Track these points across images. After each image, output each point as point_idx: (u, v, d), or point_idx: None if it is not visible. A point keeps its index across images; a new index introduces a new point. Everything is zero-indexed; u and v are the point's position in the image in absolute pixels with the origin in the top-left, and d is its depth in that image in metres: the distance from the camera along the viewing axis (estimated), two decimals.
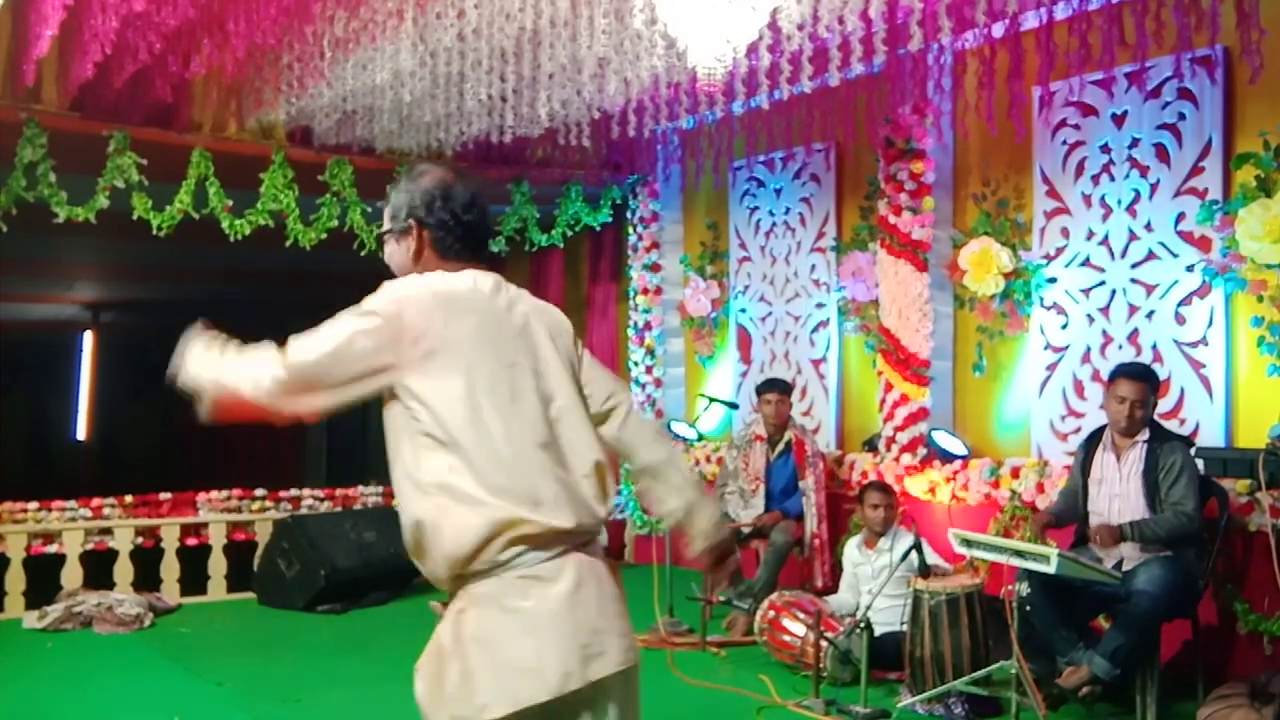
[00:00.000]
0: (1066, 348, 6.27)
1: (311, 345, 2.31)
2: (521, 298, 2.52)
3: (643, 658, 2.44)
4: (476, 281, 2.43)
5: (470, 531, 2.23)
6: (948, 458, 6.60)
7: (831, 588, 6.29)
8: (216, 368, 2.36)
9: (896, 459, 6.82)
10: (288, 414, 2.34)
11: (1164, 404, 5.67)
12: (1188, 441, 5.05)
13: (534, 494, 2.25)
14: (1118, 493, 4.94)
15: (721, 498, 7.05)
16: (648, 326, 9.04)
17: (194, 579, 7.57)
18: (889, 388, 6.90)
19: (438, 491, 2.27)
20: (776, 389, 6.87)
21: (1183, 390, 5.68)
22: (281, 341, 2.39)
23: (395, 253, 2.53)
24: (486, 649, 2.22)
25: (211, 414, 2.37)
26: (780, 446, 6.86)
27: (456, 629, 2.27)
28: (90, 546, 7.30)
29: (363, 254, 7.88)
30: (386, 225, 2.54)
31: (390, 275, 2.50)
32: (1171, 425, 5.32)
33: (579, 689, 2.23)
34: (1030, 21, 5.50)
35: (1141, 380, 4.94)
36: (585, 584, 2.29)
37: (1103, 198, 6.08)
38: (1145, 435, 4.94)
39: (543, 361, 2.42)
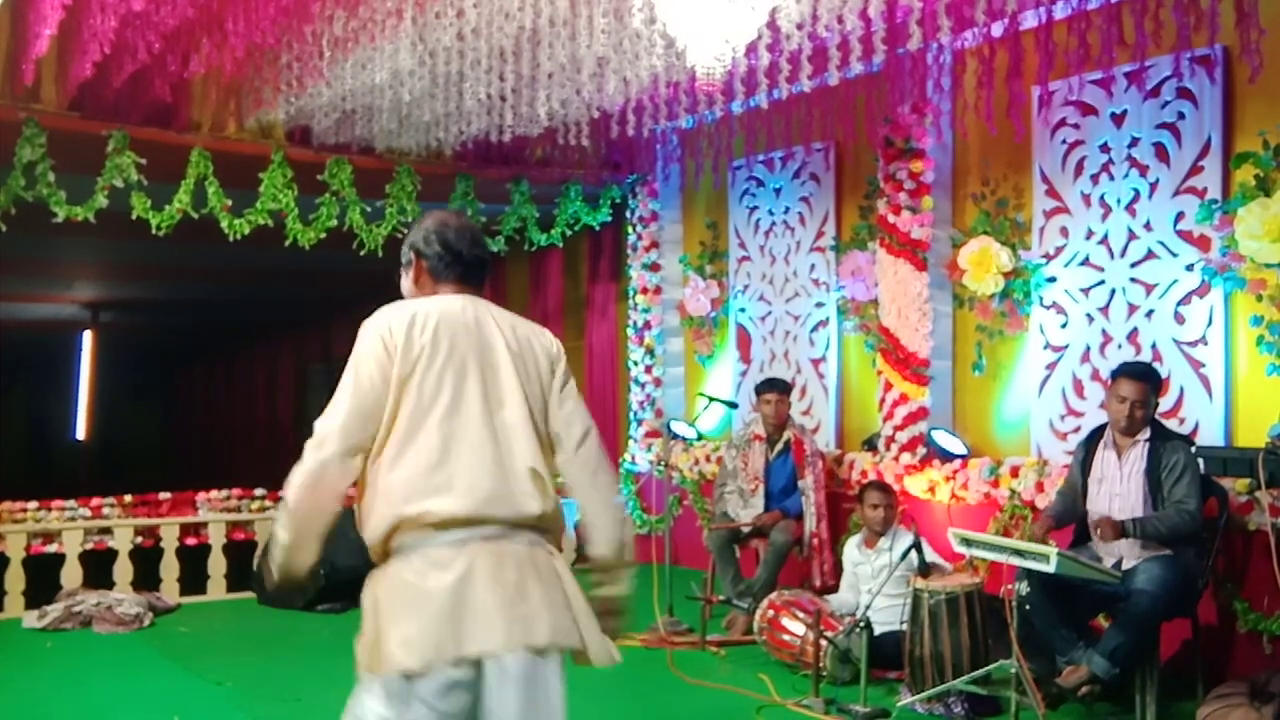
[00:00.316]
0: (1066, 347, 6.27)
1: (332, 414, 2.64)
2: (492, 317, 2.83)
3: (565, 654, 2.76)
4: (446, 301, 2.78)
5: (382, 524, 2.60)
6: (947, 457, 6.61)
7: (832, 587, 6.29)
8: (284, 504, 2.70)
9: (896, 458, 6.82)
10: (355, 467, 2.68)
11: (1163, 403, 5.67)
12: (1189, 441, 5.06)
13: (451, 489, 2.56)
14: (1118, 491, 4.94)
15: (721, 497, 7.05)
16: (647, 326, 9.04)
17: (193, 578, 7.57)
18: (888, 387, 6.90)
19: (369, 487, 2.66)
20: (776, 389, 6.87)
21: (1182, 389, 5.68)
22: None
23: (405, 282, 2.93)
24: (382, 617, 2.56)
25: (297, 544, 2.73)
26: (779, 446, 6.86)
27: (371, 598, 2.64)
28: (90, 546, 7.30)
29: (362, 254, 7.88)
30: (403, 263, 2.95)
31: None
32: (1171, 424, 5.31)
33: (466, 664, 2.51)
34: (1029, 21, 5.49)
35: (1143, 380, 4.94)
36: (479, 572, 2.54)
37: (1102, 197, 6.08)
38: (1147, 434, 4.94)
39: (496, 373, 2.74)
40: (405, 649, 2.50)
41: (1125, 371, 5.01)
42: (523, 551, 2.65)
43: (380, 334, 2.66)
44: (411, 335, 2.66)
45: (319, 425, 2.65)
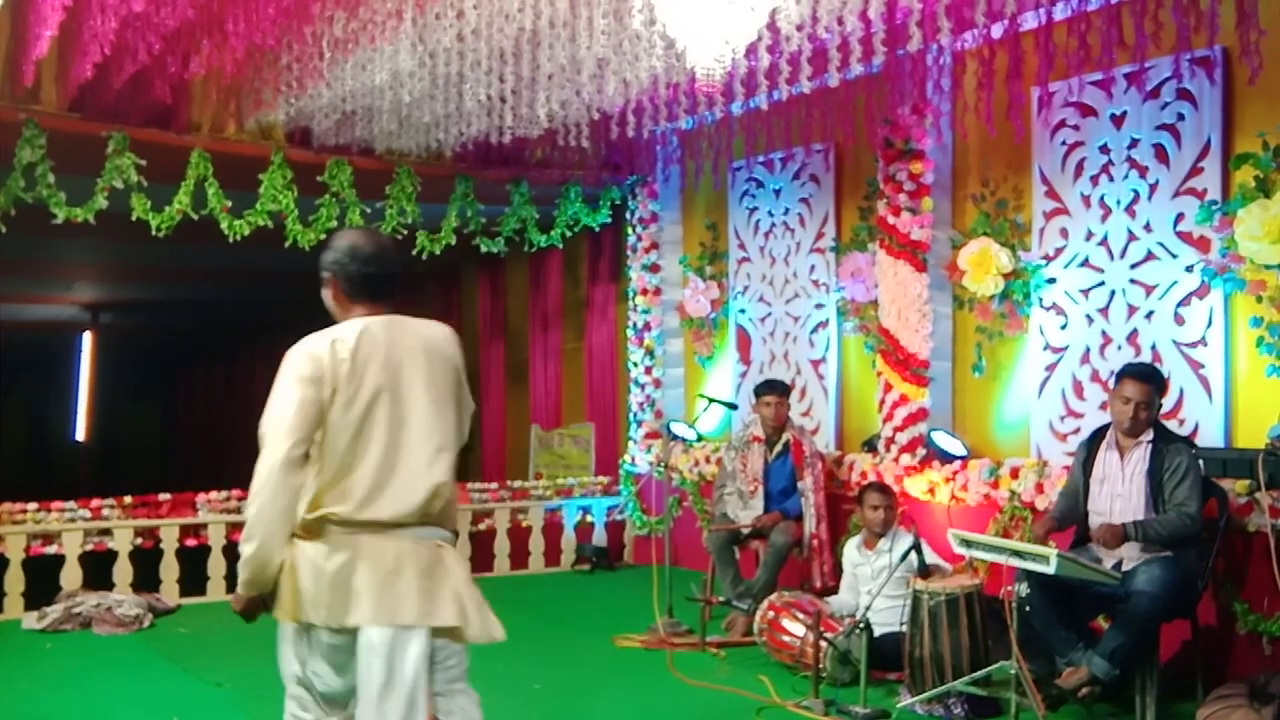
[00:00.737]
0: (1066, 348, 6.27)
1: (277, 418, 3.10)
2: (408, 333, 3.28)
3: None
4: (366, 326, 3.20)
5: (303, 513, 3.16)
6: (947, 458, 6.60)
7: (831, 588, 6.29)
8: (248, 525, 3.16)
9: (896, 459, 6.82)
10: (299, 469, 3.12)
11: (1164, 404, 5.67)
12: (1191, 443, 5.06)
13: (353, 494, 3.12)
14: (1120, 492, 4.94)
15: (720, 499, 7.05)
16: (647, 327, 9.04)
17: (193, 580, 7.57)
18: (888, 388, 6.90)
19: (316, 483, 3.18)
20: (775, 391, 6.86)
21: (1182, 390, 5.68)
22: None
23: (326, 297, 3.34)
24: (292, 578, 3.16)
25: (261, 557, 3.15)
26: (778, 448, 6.86)
27: (290, 566, 3.17)
28: (89, 547, 7.30)
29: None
30: (323, 276, 3.35)
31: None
32: (1171, 425, 5.31)
33: (338, 632, 3.15)
34: (1029, 22, 5.49)
35: (1147, 382, 4.94)
36: (361, 560, 3.13)
37: (1102, 198, 6.08)
38: (1150, 436, 4.94)
39: (406, 391, 3.21)
40: (305, 608, 3.16)
41: (1130, 372, 5.01)
42: (406, 545, 3.16)
43: (308, 362, 3.12)
44: (334, 363, 3.12)
45: (268, 444, 3.10)
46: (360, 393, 3.14)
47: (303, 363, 3.12)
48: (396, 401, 3.20)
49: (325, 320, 3.33)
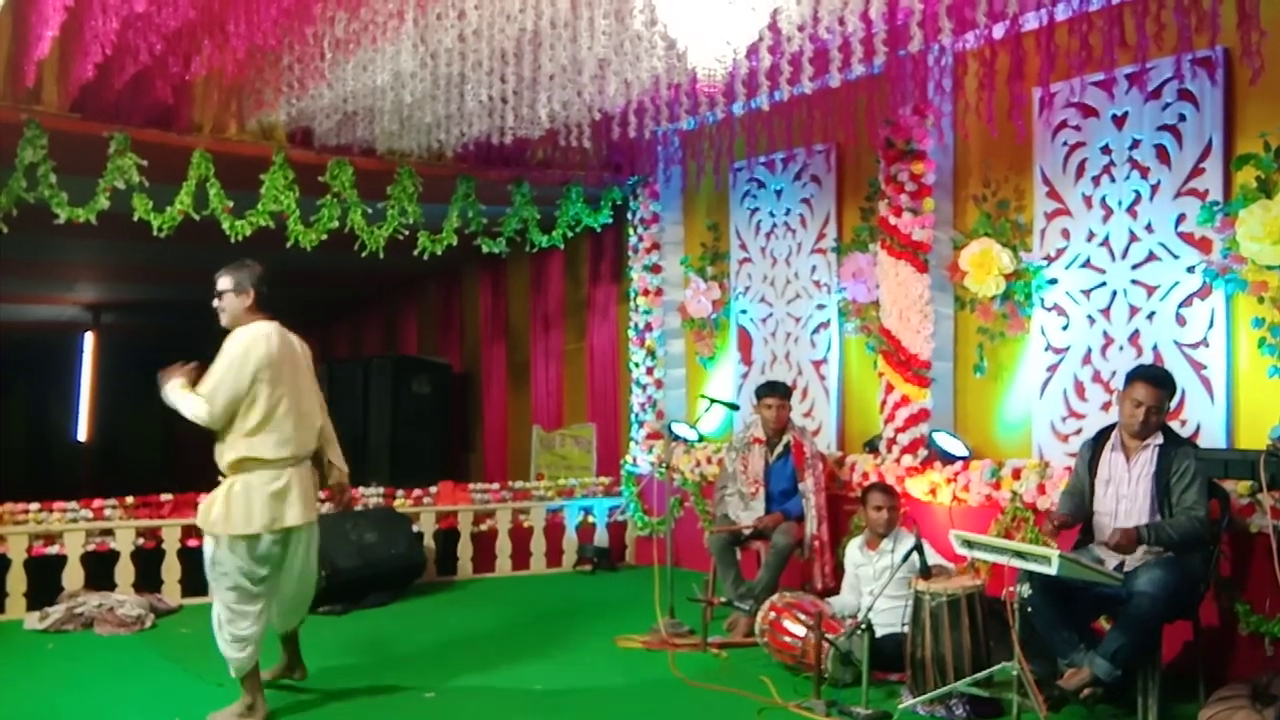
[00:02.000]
0: (1067, 349, 6.27)
1: (217, 387, 4.90)
2: (290, 336, 5.14)
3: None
4: (276, 328, 5.04)
5: (238, 457, 4.92)
6: (948, 459, 6.60)
7: (833, 589, 6.29)
8: (179, 402, 5.02)
9: (897, 460, 6.82)
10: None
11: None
12: (1195, 447, 5.05)
13: (279, 441, 4.94)
14: (1125, 493, 4.94)
15: (721, 500, 7.05)
16: (648, 328, 9.04)
17: (195, 580, 7.50)
18: (890, 389, 6.89)
19: (230, 439, 4.95)
20: (776, 393, 6.85)
21: (1184, 391, 5.67)
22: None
23: (235, 303, 5.09)
24: (237, 501, 4.88)
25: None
26: (779, 449, 6.85)
27: (229, 490, 4.91)
28: (91, 547, 7.29)
29: (363, 255, 7.89)
30: (230, 288, 5.08)
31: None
32: (1173, 426, 5.30)
33: (275, 532, 4.93)
34: (1031, 23, 5.50)
35: (1160, 386, 4.94)
36: (291, 482, 4.97)
37: (1103, 199, 6.08)
38: (1159, 439, 4.93)
39: (299, 374, 5.11)
40: (254, 520, 4.88)
41: (1143, 376, 4.99)
42: (306, 471, 5.10)
43: (258, 347, 4.90)
44: (268, 350, 4.91)
45: (208, 400, 4.89)
46: (281, 374, 4.94)
47: (253, 350, 4.89)
48: (295, 380, 5.04)
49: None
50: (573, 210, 8.75)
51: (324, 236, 7.65)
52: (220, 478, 4.97)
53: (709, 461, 8.18)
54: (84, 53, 5.64)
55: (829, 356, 7.76)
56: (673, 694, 5.42)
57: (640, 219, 9.09)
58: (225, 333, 5.03)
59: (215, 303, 5.10)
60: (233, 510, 4.86)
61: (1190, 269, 5.67)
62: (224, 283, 5.08)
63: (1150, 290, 5.87)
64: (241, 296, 5.05)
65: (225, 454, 4.92)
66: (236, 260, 5.17)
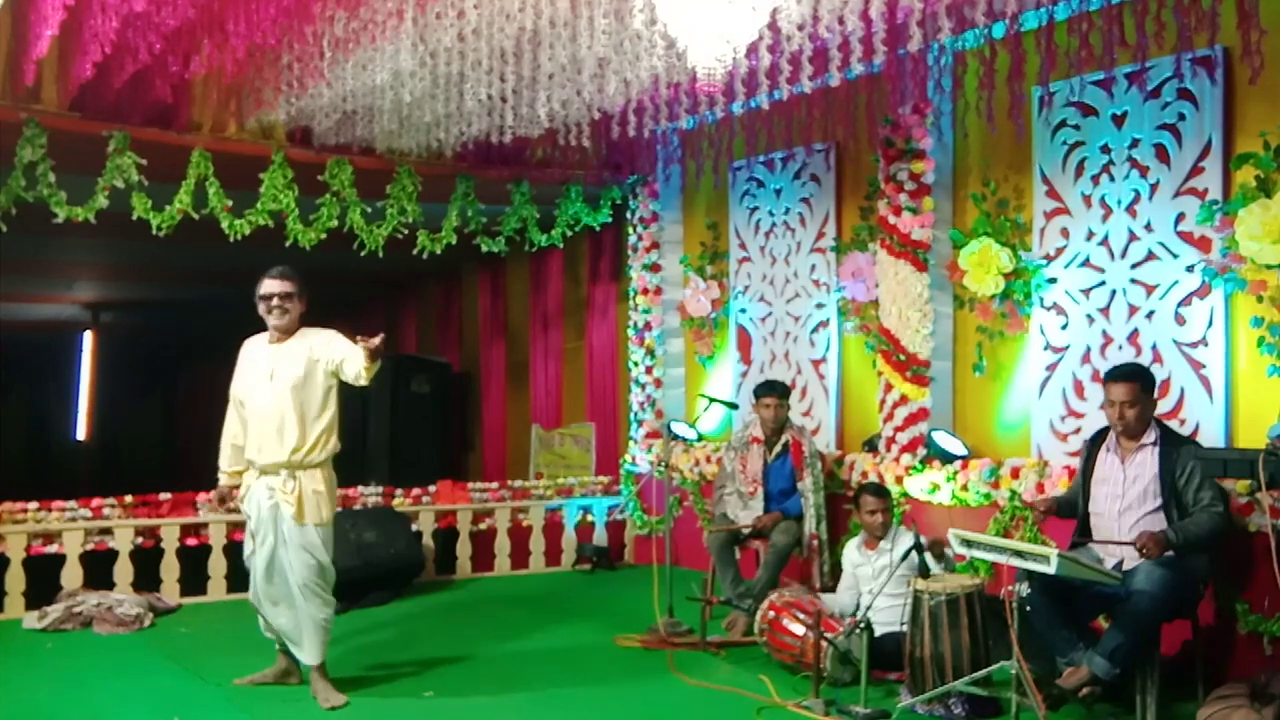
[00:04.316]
0: (1067, 348, 6.27)
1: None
2: None
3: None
4: None
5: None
6: (947, 458, 6.60)
7: (829, 588, 6.29)
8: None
9: (896, 459, 6.82)
10: None
11: (1164, 404, 5.68)
12: (1196, 444, 5.05)
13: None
14: (1118, 494, 4.94)
15: (720, 500, 7.05)
16: (648, 327, 9.04)
17: (194, 579, 7.56)
18: (889, 388, 6.89)
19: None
20: (774, 393, 6.85)
21: (1183, 390, 5.68)
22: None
23: (300, 307, 5.32)
24: (334, 491, 5.41)
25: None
26: (778, 448, 6.85)
27: (328, 481, 5.34)
28: (90, 547, 7.29)
29: (362, 254, 7.88)
30: (297, 291, 5.29)
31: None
32: (1171, 425, 5.31)
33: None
34: (1030, 22, 5.50)
35: (1126, 380, 4.94)
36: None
37: (1103, 198, 6.08)
38: (1152, 438, 4.93)
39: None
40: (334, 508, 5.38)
41: (1110, 375, 5.03)
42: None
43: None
44: None
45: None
46: None
47: None
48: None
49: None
50: (572, 209, 8.75)
51: (323, 236, 7.65)
52: (283, 471, 5.23)
53: (708, 461, 8.18)
54: (83, 52, 5.64)
55: (828, 355, 7.76)
56: (672, 693, 5.42)
57: (640, 218, 9.09)
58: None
59: (275, 303, 5.26)
60: (334, 500, 5.34)
61: (1189, 268, 5.68)
62: (290, 286, 5.30)
63: (1149, 289, 5.88)
64: (301, 302, 5.33)
65: (329, 444, 5.29)
66: (282, 264, 5.41)
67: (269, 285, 5.28)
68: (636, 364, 9.09)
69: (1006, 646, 4.48)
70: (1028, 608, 4.72)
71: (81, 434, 18.81)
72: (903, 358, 6.77)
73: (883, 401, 6.96)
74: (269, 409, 5.25)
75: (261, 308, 5.30)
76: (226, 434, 5.49)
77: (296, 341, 5.33)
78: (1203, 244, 5.58)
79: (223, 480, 5.52)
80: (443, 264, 9.65)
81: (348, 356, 5.18)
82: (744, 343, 8.43)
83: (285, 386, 5.24)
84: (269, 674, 5.47)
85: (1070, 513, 5.17)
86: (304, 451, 5.22)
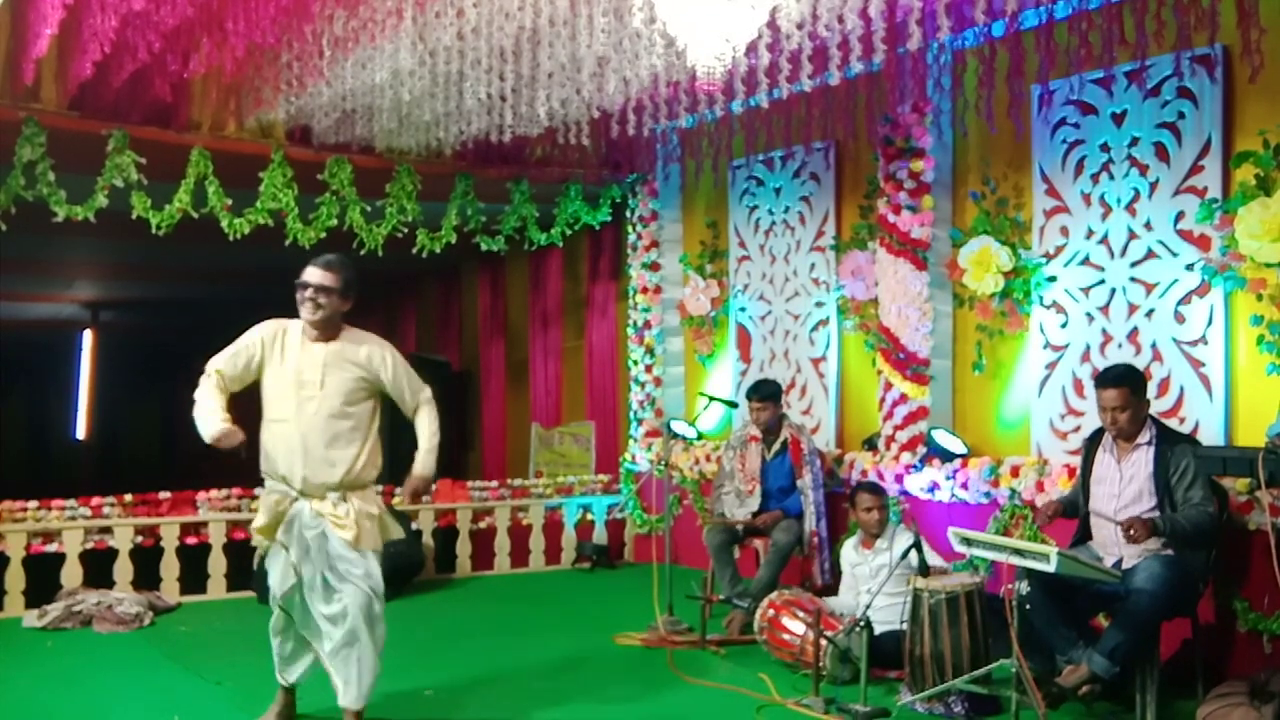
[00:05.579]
0: (1066, 346, 6.27)
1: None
2: None
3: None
4: None
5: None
6: (947, 456, 6.60)
7: (831, 586, 6.29)
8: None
9: (896, 458, 6.82)
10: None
11: (1164, 403, 5.68)
12: (1195, 442, 5.05)
13: None
14: (1115, 493, 4.94)
15: (718, 499, 7.05)
16: (647, 325, 9.04)
17: (194, 578, 7.57)
18: (888, 386, 6.89)
19: None
20: (759, 395, 6.84)
21: (1182, 389, 5.68)
22: None
23: (341, 305, 4.60)
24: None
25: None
26: (776, 446, 6.86)
27: (379, 502, 4.75)
28: (90, 545, 7.29)
29: (362, 253, 7.88)
30: (339, 287, 4.57)
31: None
32: (1171, 424, 5.31)
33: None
34: (1030, 20, 5.50)
35: (1116, 385, 4.93)
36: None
37: (1102, 196, 6.08)
38: (1147, 437, 4.93)
39: None
40: None
41: (1099, 381, 5.04)
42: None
43: None
44: None
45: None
46: None
47: None
48: None
49: None
50: (572, 208, 8.75)
51: (323, 235, 7.65)
52: (332, 494, 4.54)
53: (708, 459, 8.18)
54: (83, 51, 5.63)
55: (828, 354, 7.76)
56: (672, 691, 5.42)
57: (639, 217, 9.09)
58: (231, 335, 4.71)
59: (309, 294, 4.54)
60: (387, 520, 4.78)
61: (1189, 266, 5.67)
62: (331, 280, 4.56)
63: (1149, 288, 5.88)
64: (343, 300, 4.59)
65: (378, 459, 4.72)
66: (325, 255, 4.71)
67: (309, 273, 4.57)
68: (636, 362, 9.09)
69: (1006, 644, 4.48)
70: (1027, 606, 4.73)
71: (81, 433, 18.82)
72: (902, 356, 6.78)
73: (882, 400, 6.96)
74: (317, 422, 4.51)
75: (297, 296, 4.60)
76: (213, 394, 4.57)
77: (350, 347, 4.63)
78: (1202, 242, 5.58)
79: (224, 423, 4.54)
80: (442, 263, 9.66)
81: (407, 404, 4.82)
82: (743, 341, 8.43)
83: (338, 399, 4.55)
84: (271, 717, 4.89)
85: (1075, 512, 5.17)
86: (357, 470, 4.58)
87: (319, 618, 4.62)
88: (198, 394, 4.60)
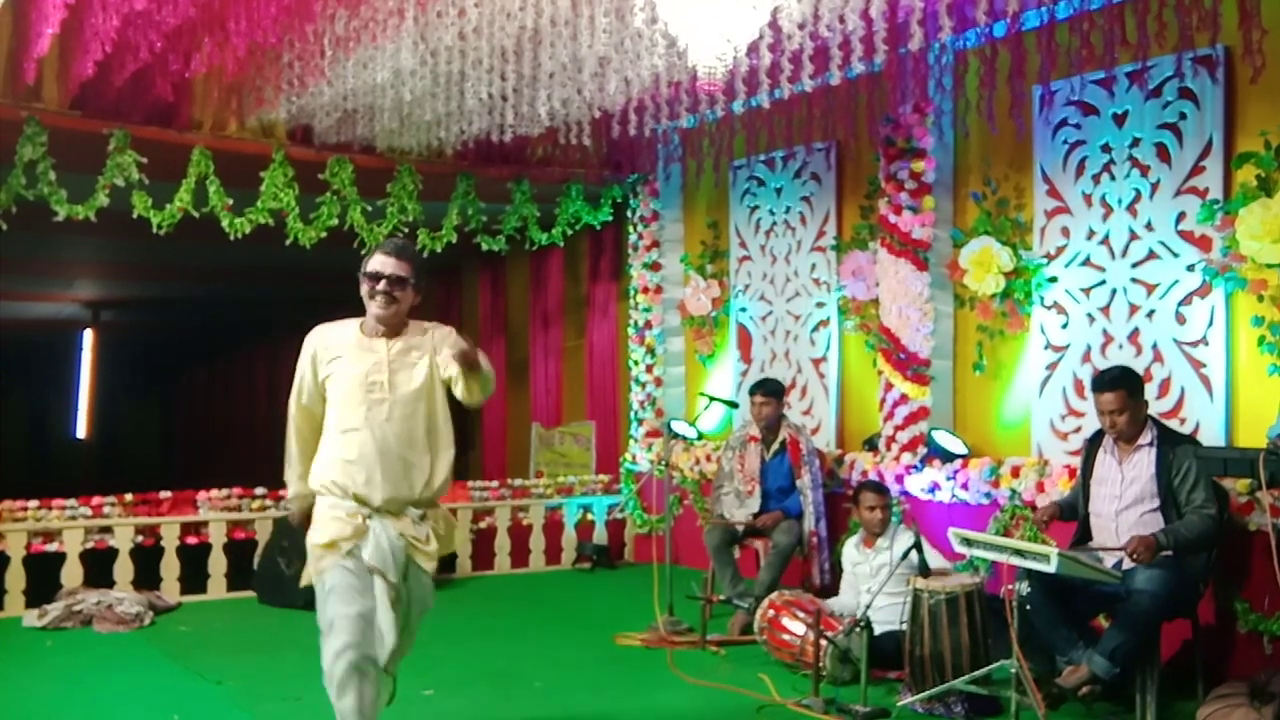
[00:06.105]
0: (1067, 347, 6.27)
1: None
2: None
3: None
4: None
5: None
6: (948, 457, 6.60)
7: (831, 587, 6.29)
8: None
9: (896, 458, 6.82)
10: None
11: (1164, 404, 5.68)
12: (1196, 443, 5.04)
13: None
14: (1115, 494, 4.94)
15: (718, 499, 7.05)
16: (648, 325, 9.04)
17: (194, 577, 7.57)
18: (889, 387, 6.89)
19: None
20: (763, 390, 6.86)
21: (1183, 390, 5.68)
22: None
23: (412, 298, 4.09)
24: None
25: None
26: (775, 446, 6.86)
27: (446, 515, 4.21)
28: (90, 545, 7.29)
29: (362, 253, 7.87)
30: (413, 279, 4.06)
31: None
32: (1171, 425, 5.31)
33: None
34: (1031, 21, 5.50)
35: (1111, 388, 4.93)
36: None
37: (1103, 197, 6.07)
38: (1148, 439, 4.92)
39: None
40: None
41: (1096, 384, 5.04)
42: None
43: None
44: None
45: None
46: None
47: None
48: None
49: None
50: (572, 208, 8.75)
51: (323, 234, 7.65)
52: (412, 511, 4.02)
53: (708, 459, 8.18)
54: (84, 50, 5.64)
55: (828, 354, 7.76)
56: (672, 692, 5.42)
57: (640, 217, 9.09)
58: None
59: (382, 286, 3.99)
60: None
61: (1190, 267, 5.67)
62: (406, 269, 4.04)
63: (1150, 288, 5.87)
64: (416, 293, 4.08)
65: (446, 470, 4.13)
66: (392, 239, 4.30)
67: (380, 262, 4.00)
68: (637, 362, 9.09)
69: (1006, 645, 4.48)
70: (1028, 606, 4.73)
71: (82, 432, 18.81)
72: (903, 356, 6.77)
73: (883, 400, 6.96)
74: (394, 432, 3.98)
75: (364, 288, 4.03)
76: (298, 444, 4.17)
77: (416, 340, 4.11)
78: (1203, 243, 5.57)
79: (300, 496, 4.18)
80: (443, 262, 9.64)
81: (454, 375, 4.06)
82: (744, 341, 8.43)
83: (411, 405, 4.03)
84: None
85: (1073, 515, 5.17)
86: (436, 486, 4.09)
87: (362, 646, 3.90)
88: (287, 443, 4.21)
